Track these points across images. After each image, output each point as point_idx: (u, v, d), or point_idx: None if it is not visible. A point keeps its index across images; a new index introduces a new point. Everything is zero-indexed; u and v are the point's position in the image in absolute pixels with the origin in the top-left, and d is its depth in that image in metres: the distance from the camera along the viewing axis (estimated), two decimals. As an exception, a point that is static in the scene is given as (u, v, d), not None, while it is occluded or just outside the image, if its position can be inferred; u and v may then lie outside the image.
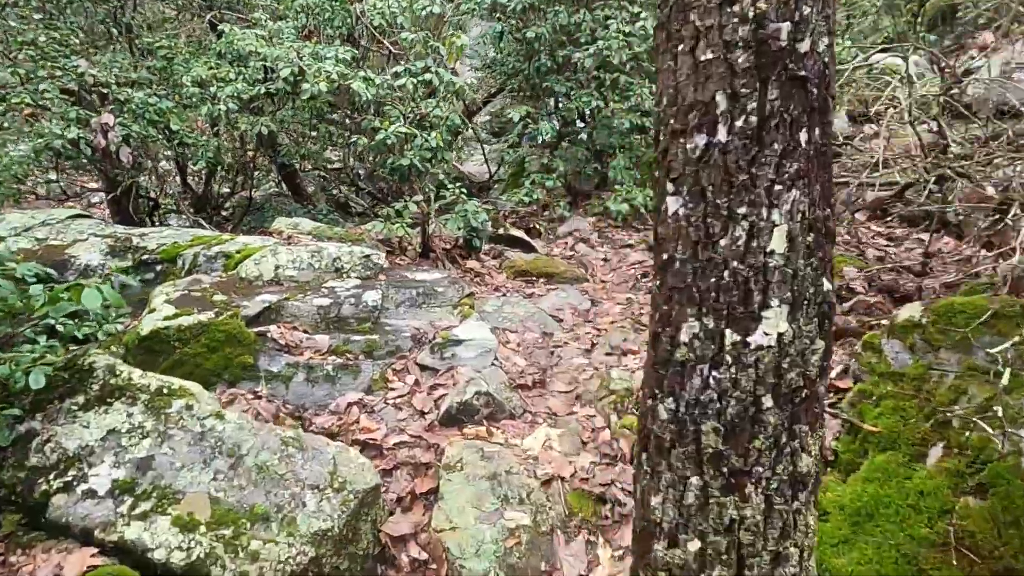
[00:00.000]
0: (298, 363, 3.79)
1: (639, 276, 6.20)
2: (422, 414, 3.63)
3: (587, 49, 7.67)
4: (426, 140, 5.89)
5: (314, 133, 8.65)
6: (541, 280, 6.14)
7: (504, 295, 5.63)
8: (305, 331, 3.98)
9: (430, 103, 6.30)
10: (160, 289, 4.16)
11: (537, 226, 7.72)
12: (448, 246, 6.57)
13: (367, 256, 4.64)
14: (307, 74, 5.67)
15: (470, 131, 14.71)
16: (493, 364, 4.11)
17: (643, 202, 7.64)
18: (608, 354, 4.36)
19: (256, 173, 11.64)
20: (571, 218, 7.96)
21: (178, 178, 9.51)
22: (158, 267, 5.35)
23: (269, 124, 6.81)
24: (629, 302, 5.57)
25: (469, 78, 17.78)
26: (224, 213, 10.87)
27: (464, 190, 6.09)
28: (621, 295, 5.81)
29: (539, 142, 9.71)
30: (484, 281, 6.01)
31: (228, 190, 10.14)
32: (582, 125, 9.07)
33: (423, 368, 3.99)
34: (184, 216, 9.98)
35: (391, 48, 6.65)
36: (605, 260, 6.83)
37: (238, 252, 5.35)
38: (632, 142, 8.47)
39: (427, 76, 5.59)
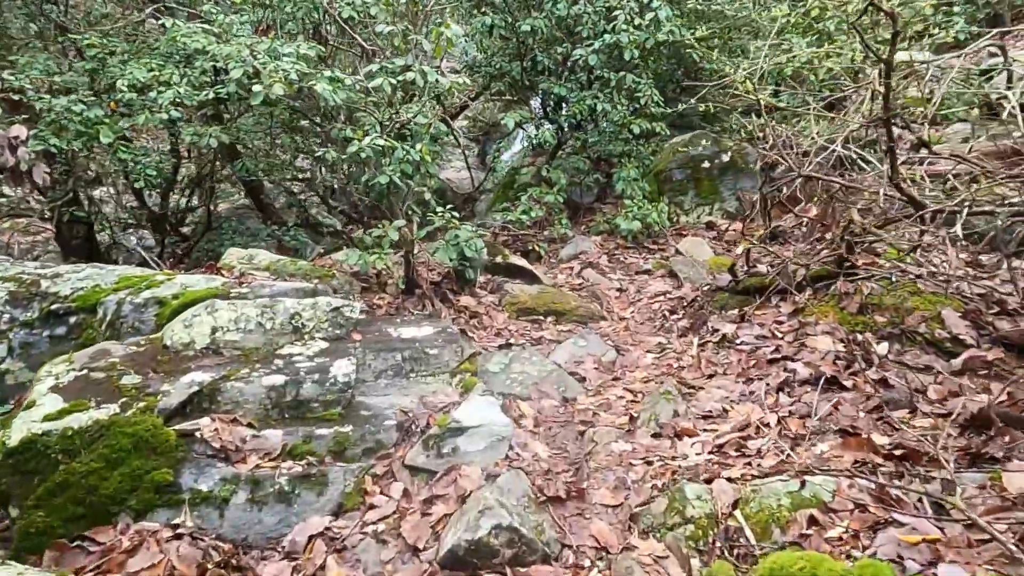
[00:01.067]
0: (239, 476, 2.66)
1: (667, 313, 5.15)
2: (415, 551, 2.52)
3: (591, 44, 6.61)
4: (408, 152, 4.78)
5: (279, 143, 7.49)
6: (549, 319, 5.05)
7: (509, 344, 4.53)
8: (250, 425, 2.85)
9: (411, 108, 5.19)
10: (47, 370, 3.00)
11: (536, 248, 6.64)
12: (437, 278, 5.47)
13: (336, 309, 3.51)
14: (262, 75, 4.54)
15: (451, 136, 13.66)
16: (508, 459, 3.01)
17: (657, 219, 6.60)
18: (656, 435, 3.29)
19: (220, 186, 10.47)
20: (574, 238, 6.88)
21: (133, 195, 8.33)
22: (72, 319, 4.17)
23: (220, 135, 5.64)
24: (662, 349, 4.51)
25: (450, 79, 16.72)
26: (184, 230, 9.67)
27: (455, 213, 4.98)
28: (649, 338, 4.75)
29: (531, 148, 8.64)
30: (482, 323, 4.91)
31: (190, 205, 8.95)
32: (581, 131, 8.01)
33: (414, 471, 2.88)
34: (135, 239, 8.76)
35: (363, 44, 5.53)
36: (620, 290, 5.77)
37: (175, 297, 4.19)
38: (640, 150, 7.42)
39: (409, 76, 4.49)
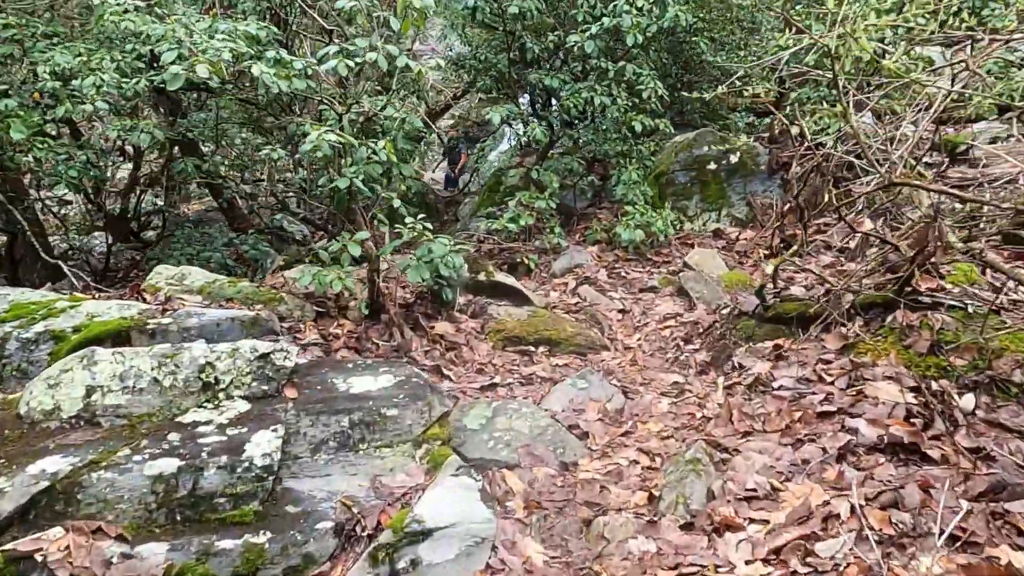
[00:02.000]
0: (92, 624, 1.79)
1: (680, 342, 4.31)
2: None
3: (587, 29, 5.76)
4: (372, 152, 3.92)
5: (231, 140, 6.59)
6: (542, 350, 4.20)
7: (494, 385, 3.68)
8: (121, 537, 1.98)
9: (380, 100, 4.34)
10: None
11: (525, 260, 5.79)
12: (409, 300, 4.60)
13: (264, 357, 2.64)
14: (191, 57, 3.66)
15: (435, 135, 12.77)
16: (490, 570, 2.16)
17: (662, 228, 5.77)
18: (687, 526, 2.45)
19: (192, 187, 9.52)
20: (567, 249, 6.03)
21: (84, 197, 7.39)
22: (-58, 360, 3.29)
23: (154, 130, 4.74)
24: (679, 391, 3.67)
25: (432, 75, 15.80)
26: (151, 234, 8.74)
27: (427, 224, 4.11)
28: (662, 375, 3.91)
29: (520, 148, 7.79)
30: (461, 356, 4.05)
31: (158, 207, 8.01)
32: (574, 128, 7.17)
33: (356, 601, 2.03)
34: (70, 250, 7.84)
35: (323, 23, 4.65)
36: (623, 312, 4.92)
37: (76, 331, 3.31)
38: (640, 150, 6.59)
39: (369, 56, 3.63)
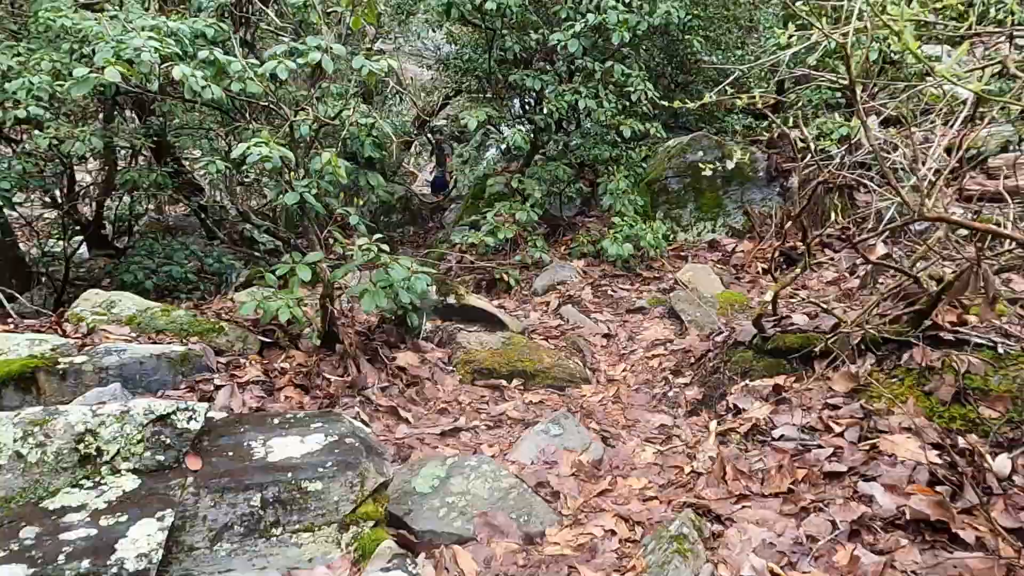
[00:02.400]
0: None
1: (669, 374, 3.86)
2: None
3: (571, 27, 5.31)
4: (326, 163, 3.47)
5: (180, 145, 6.14)
6: (515, 384, 3.75)
7: (456, 430, 3.23)
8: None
9: (334, 104, 3.89)
10: None
11: (505, 277, 5.34)
12: (373, 322, 4.16)
13: (162, 419, 2.18)
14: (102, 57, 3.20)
15: (421, 137, 12.29)
16: None
17: (654, 242, 5.32)
18: (668, 631, 2.01)
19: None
20: (551, 264, 5.58)
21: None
22: None
23: (91, 137, 4.28)
24: (666, 437, 3.22)
25: (375, 64, 15.29)
26: (133, 239, 8.27)
27: (384, 247, 3.65)
28: (648, 415, 3.46)
29: (503, 153, 7.34)
30: (423, 393, 3.60)
31: (135, 212, 7.52)
32: (561, 132, 6.71)
33: None
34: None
35: (277, 21, 4.19)
36: (608, 336, 4.47)
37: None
38: (630, 155, 6.14)
39: (312, 57, 3.17)
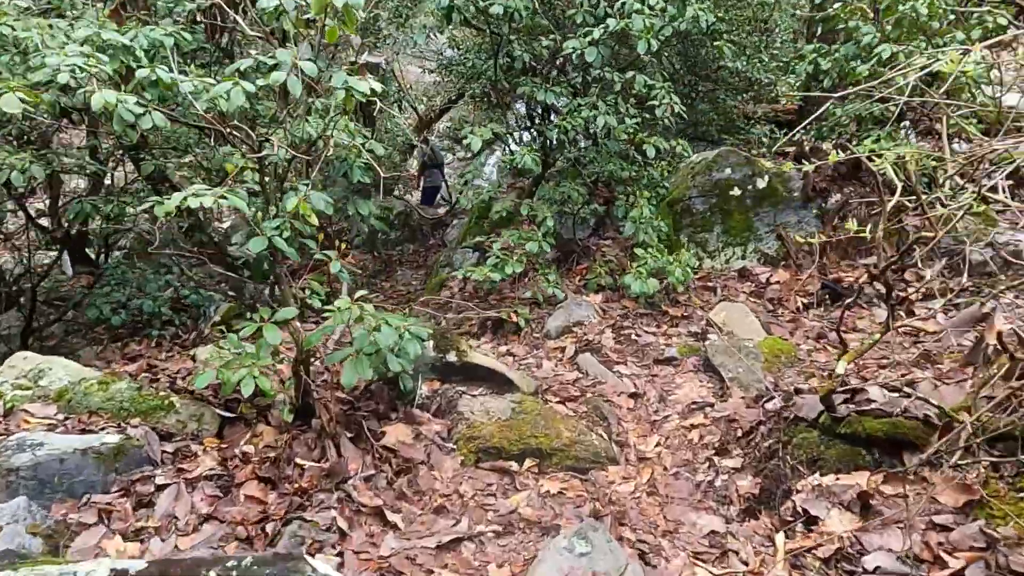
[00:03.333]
0: None
1: (714, 453, 3.18)
2: None
3: (588, 33, 4.63)
4: (295, 206, 2.81)
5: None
6: (528, 467, 3.08)
7: (455, 540, 2.56)
8: None
9: (307, 126, 3.22)
10: None
11: (513, 317, 4.67)
12: (358, 386, 3.49)
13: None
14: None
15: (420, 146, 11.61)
16: None
17: (681, 277, 4.64)
18: None
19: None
20: (565, 300, 4.90)
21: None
22: None
23: (29, 166, 3.62)
24: (719, 550, 2.54)
25: (361, 84, 14.60)
26: (117, 253, 7.61)
27: (366, 306, 2.96)
28: (692, 515, 2.78)
29: (508, 168, 6.66)
30: (416, 483, 2.93)
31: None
32: (574, 146, 6.03)
33: None
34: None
35: (247, 29, 3.52)
36: (635, 396, 3.79)
37: None
38: (652, 174, 5.46)
39: (275, 77, 2.51)
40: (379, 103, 3.68)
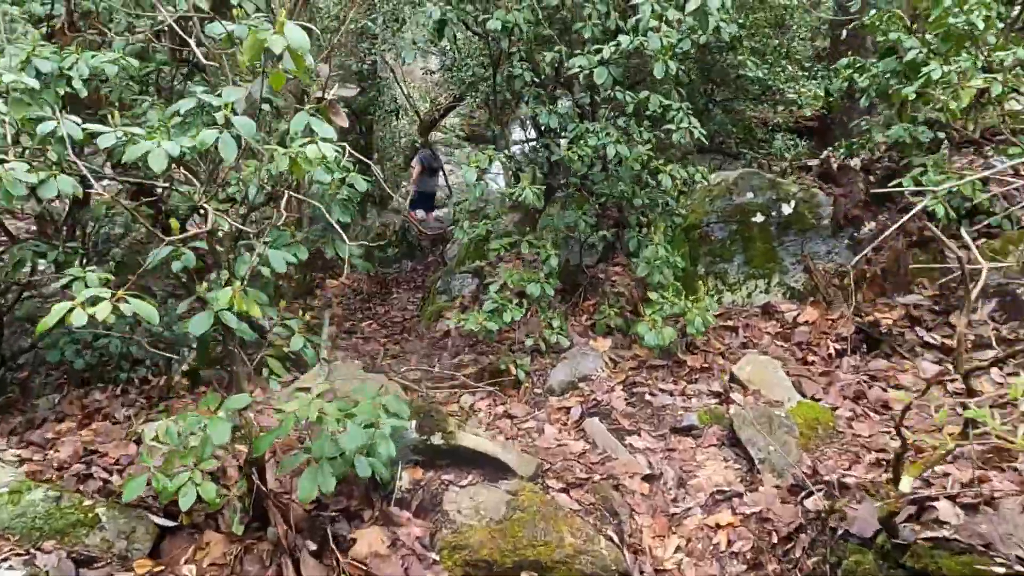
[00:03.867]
0: None
1: (744, 566, 2.66)
2: None
3: (598, 51, 4.08)
4: (231, 299, 2.30)
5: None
6: (525, 585, 2.59)
7: None
8: None
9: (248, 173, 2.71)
10: None
11: (512, 368, 4.15)
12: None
13: None
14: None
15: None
16: None
17: (701, 327, 4.10)
18: None
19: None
20: (571, 348, 4.38)
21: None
22: None
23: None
24: None
25: (430, 76, 14.02)
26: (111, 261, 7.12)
27: (323, 406, 2.45)
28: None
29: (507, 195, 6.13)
30: (389, 613, 2.44)
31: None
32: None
33: None
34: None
35: (202, 59, 2.97)
36: (652, 478, 3.28)
37: None
38: (668, 202, 4.91)
39: (204, 140, 1.98)
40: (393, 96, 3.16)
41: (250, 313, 2.24)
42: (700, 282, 5.37)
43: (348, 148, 2.81)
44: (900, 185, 4.21)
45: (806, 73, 7.20)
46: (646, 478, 3.25)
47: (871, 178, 6.01)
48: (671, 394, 3.93)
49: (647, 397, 3.89)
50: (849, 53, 6.47)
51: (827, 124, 7.80)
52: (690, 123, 4.32)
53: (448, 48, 9.39)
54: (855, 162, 6.16)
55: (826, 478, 2.97)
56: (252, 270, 2.72)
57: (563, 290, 5.46)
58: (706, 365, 4.31)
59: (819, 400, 3.91)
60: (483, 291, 5.71)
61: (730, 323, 4.97)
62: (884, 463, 3.03)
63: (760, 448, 3.27)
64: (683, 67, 5.60)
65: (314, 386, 3.32)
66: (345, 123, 2.91)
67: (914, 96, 3.97)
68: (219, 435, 2.42)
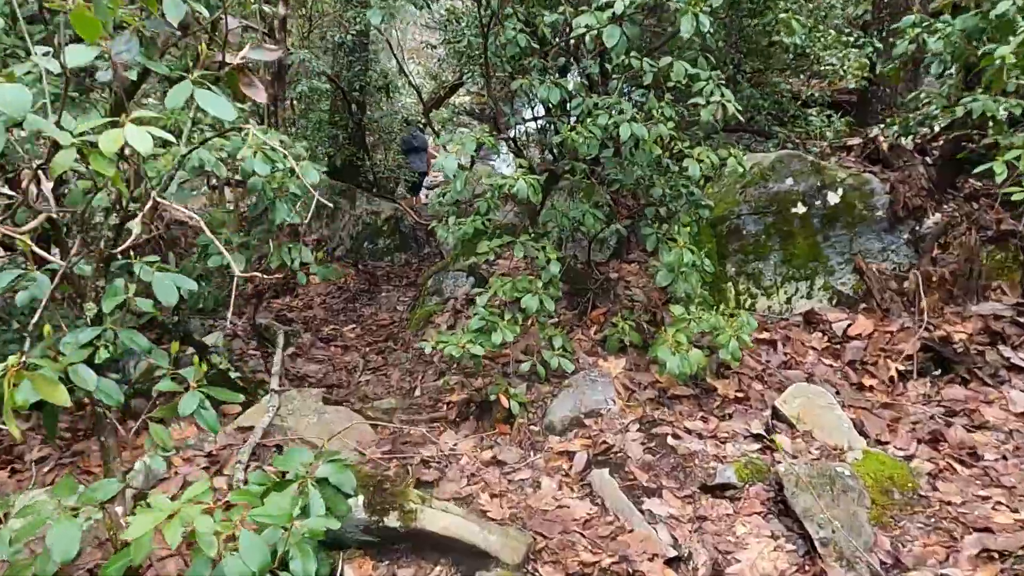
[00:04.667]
0: None
1: None
2: None
3: (609, 5, 3.22)
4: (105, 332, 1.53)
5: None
6: None
7: None
8: None
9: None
10: None
11: (504, 398, 3.37)
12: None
13: None
14: None
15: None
16: None
17: (735, 350, 3.28)
18: None
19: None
20: (576, 376, 3.58)
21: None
22: None
23: None
24: None
25: (432, 50, 13.09)
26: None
27: (212, 521, 1.69)
28: None
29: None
30: None
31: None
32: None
33: None
34: None
35: None
36: (677, 561, 2.50)
37: None
38: (693, 192, 4.06)
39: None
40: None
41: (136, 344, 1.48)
42: (729, 285, 4.55)
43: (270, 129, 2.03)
44: (986, 171, 3.34)
45: (845, 39, 6.25)
46: (670, 562, 2.46)
47: (927, 159, 5.13)
48: (700, 436, 3.13)
49: (670, 440, 3.09)
50: (889, 18, 5.57)
51: (867, 97, 6.86)
52: (723, 95, 3.46)
53: (445, 18, 8.53)
54: (906, 141, 5.27)
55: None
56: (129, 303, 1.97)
57: (568, 293, 4.67)
58: (741, 393, 3.51)
59: (886, 444, 3.10)
60: (484, 286, 4.94)
61: (766, 335, 4.15)
62: (995, 556, 2.23)
63: (820, 524, 2.47)
64: (710, 33, 4.74)
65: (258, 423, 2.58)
66: (262, 97, 2.11)
67: (1013, 60, 3.08)
68: (63, 547, 1.68)
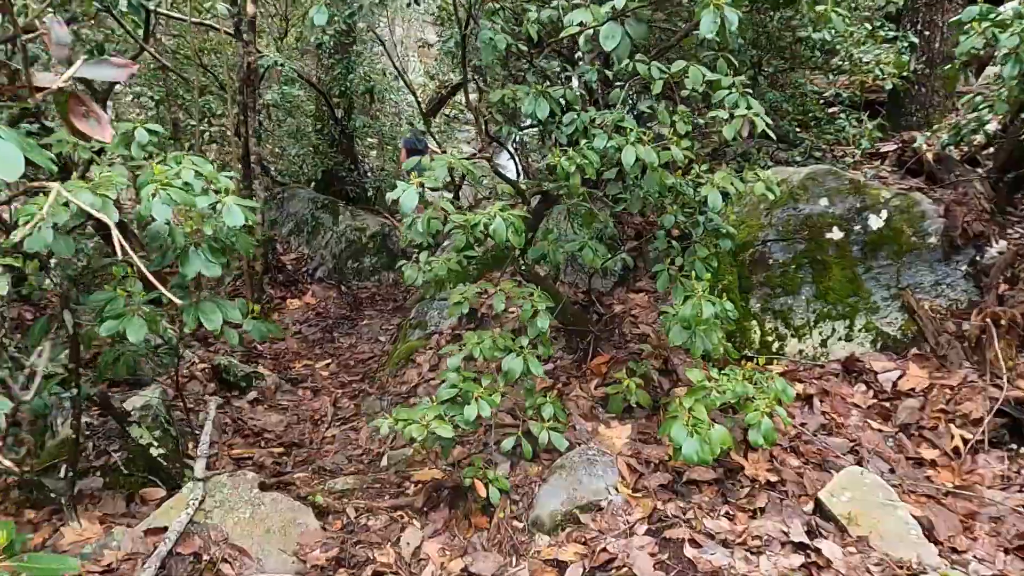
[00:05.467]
0: None
1: None
2: None
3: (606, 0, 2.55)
4: None
5: None
6: None
7: None
8: None
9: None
10: None
11: (479, 484, 2.71)
12: None
13: None
14: None
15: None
16: None
17: (767, 433, 2.59)
18: None
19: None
20: (570, 455, 2.91)
21: None
22: None
23: None
24: None
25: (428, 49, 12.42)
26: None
27: None
28: None
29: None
30: None
31: None
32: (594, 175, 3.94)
33: None
34: None
35: None
36: None
37: None
38: (713, 220, 3.35)
39: None
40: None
41: None
42: (753, 324, 3.86)
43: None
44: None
45: (878, 35, 5.52)
46: None
47: (980, 172, 4.41)
48: (725, 543, 2.45)
49: (687, 550, 2.41)
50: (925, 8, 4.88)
51: (899, 98, 6.11)
52: (749, 107, 2.77)
53: (436, 16, 7.85)
54: (953, 151, 4.56)
55: None
56: None
57: (566, 332, 3.99)
58: (773, 473, 2.82)
59: (963, 552, 2.41)
60: (479, 321, 4.28)
61: (799, 387, 3.46)
62: None
63: None
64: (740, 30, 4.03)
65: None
66: (106, 134, 1.46)
67: None
68: None
